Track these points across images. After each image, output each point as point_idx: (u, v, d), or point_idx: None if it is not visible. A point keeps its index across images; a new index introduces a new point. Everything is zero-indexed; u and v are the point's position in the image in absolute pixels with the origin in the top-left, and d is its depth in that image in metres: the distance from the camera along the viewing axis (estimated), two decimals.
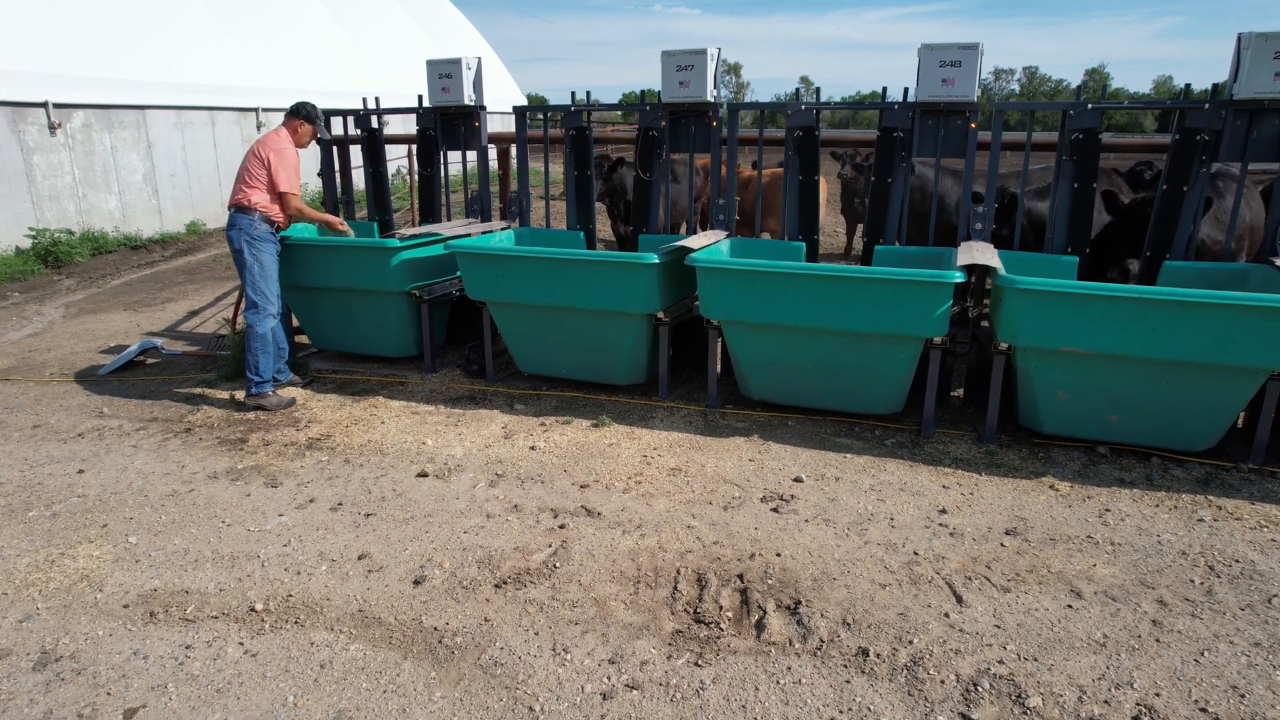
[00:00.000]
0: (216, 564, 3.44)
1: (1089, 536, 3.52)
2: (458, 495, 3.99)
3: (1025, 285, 3.96)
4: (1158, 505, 3.79)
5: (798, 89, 5.03)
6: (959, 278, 4.09)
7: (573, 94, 5.56)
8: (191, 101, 12.18)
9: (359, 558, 3.46)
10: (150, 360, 6.35)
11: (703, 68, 5.06)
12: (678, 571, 3.30)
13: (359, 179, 6.64)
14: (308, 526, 3.73)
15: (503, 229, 5.82)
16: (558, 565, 3.35)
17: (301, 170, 5.22)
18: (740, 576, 3.25)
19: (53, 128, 10.16)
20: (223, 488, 4.15)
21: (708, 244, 4.83)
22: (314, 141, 5.30)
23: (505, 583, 3.25)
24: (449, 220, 6.17)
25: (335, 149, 6.45)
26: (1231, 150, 4.40)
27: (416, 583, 3.27)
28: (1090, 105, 4.56)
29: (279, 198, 5.04)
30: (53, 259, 9.81)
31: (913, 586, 3.18)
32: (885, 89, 4.96)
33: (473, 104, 5.76)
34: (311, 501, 3.97)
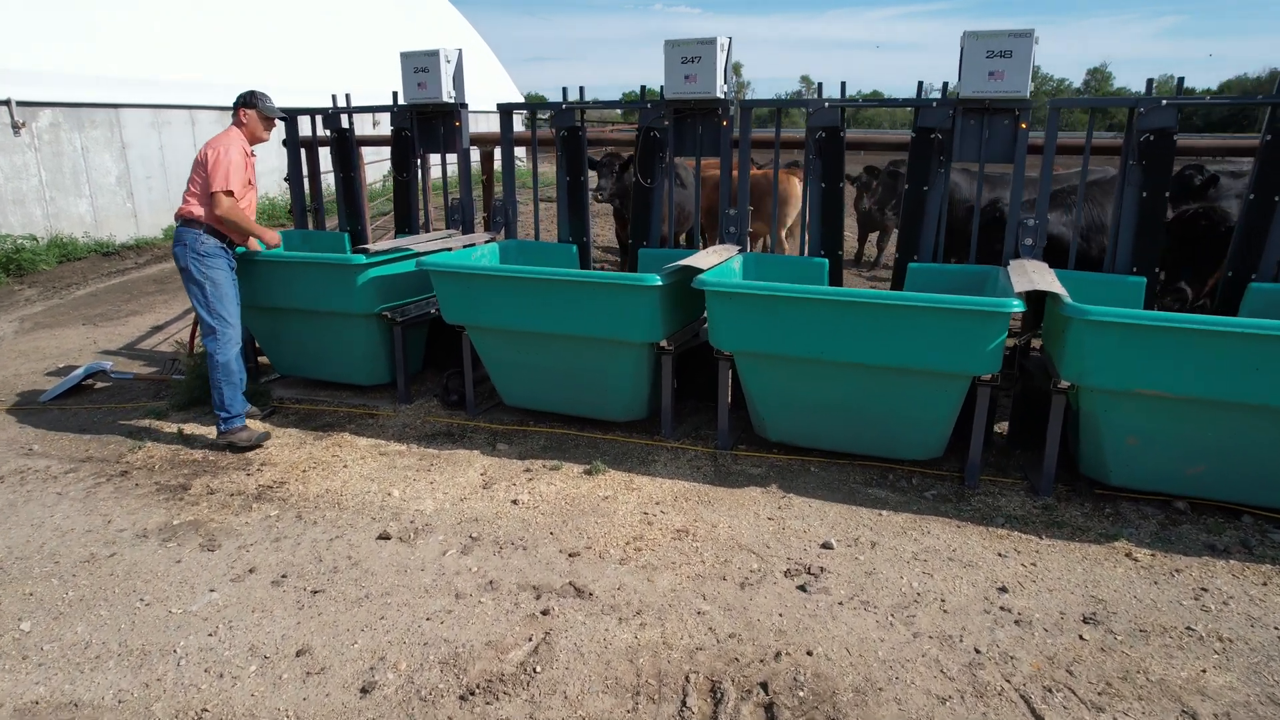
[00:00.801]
0: (122, 662, 2.81)
1: (1188, 628, 2.89)
2: (423, 566, 3.36)
3: (1099, 316, 3.32)
4: (1265, 583, 3.15)
5: (819, 85, 4.40)
6: (1018, 307, 3.45)
7: (564, 90, 4.93)
8: (169, 100, 11.54)
9: (298, 654, 2.83)
10: (99, 385, 5.73)
11: (712, 60, 4.43)
12: (687, 678, 2.67)
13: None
14: (242, 607, 3.11)
15: (486, 242, 5.19)
16: (539, 669, 2.72)
17: (269, 176, 4.59)
18: (764, 686, 2.62)
19: (16, 127, 9.53)
20: (150, 551, 3.52)
21: (717, 262, 4.19)
22: (271, 130, 4.66)
23: (473, 693, 2.62)
24: (428, 231, 5.54)
25: (304, 152, 5.82)
26: None
27: (364, 691, 2.65)
28: (1165, 101, 3.92)
29: (209, 199, 4.37)
30: (14, 267, 9.19)
31: (979, 701, 2.55)
32: (921, 83, 4.33)
33: (452, 101, 5.12)
34: (251, 572, 3.34)
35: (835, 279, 4.61)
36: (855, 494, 3.90)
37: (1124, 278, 4.16)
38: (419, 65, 5.06)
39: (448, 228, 5.47)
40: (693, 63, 4.46)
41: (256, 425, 4.68)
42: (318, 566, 3.37)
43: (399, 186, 5.53)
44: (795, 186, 8.99)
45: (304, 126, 5.83)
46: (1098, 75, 68.82)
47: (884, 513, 3.73)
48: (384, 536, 3.59)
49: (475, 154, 5.89)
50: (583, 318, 4.16)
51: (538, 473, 4.16)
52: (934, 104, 4.23)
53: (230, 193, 4.35)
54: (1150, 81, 4.03)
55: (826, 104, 4.37)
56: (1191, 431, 3.47)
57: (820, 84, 4.44)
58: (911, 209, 4.41)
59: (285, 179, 5.86)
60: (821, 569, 3.29)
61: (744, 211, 4.69)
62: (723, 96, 4.52)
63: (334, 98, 5.60)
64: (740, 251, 4.62)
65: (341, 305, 4.72)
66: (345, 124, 5.60)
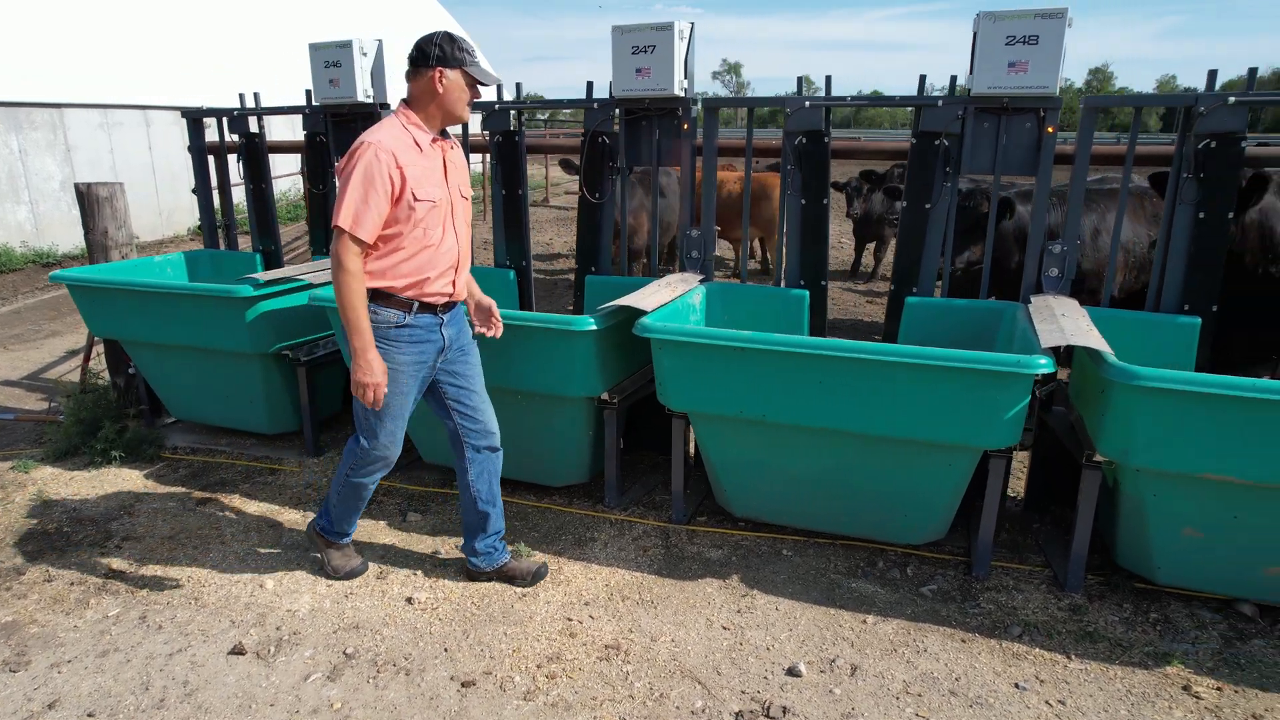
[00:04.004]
0: None
1: None
2: (275, 698, 2.61)
3: (1155, 381, 2.54)
4: None
5: (799, 80, 3.63)
6: (1046, 367, 2.67)
7: (499, 88, 4.15)
8: (120, 100, 10.82)
9: None
10: None
11: (668, 49, 3.66)
12: None
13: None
14: None
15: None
16: None
17: (177, 187, 3.79)
18: None
19: None
20: None
21: (670, 298, 3.42)
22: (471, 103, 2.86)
23: None
24: None
25: (213, 159, 5.08)
26: None
27: None
28: (1233, 99, 3.13)
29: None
30: None
31: None
32: (923, 77, 3.54)
33: (370, 100, 4.36)
34: (50, 708, 2.60)
35: (818, 313, 3.83)
36: (835, 590, 3.13)
37: (1173, 318, 3.37)
38: (330, 59, 4.31)
39: None
40: (646, 53, 3.69)
41: (353, 555, 3.28)
42: (139, 698, 2.62)
43: (314, 201, 4.78)
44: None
45: (209, 130, 5.08)
46: (1099, 75, 67.62)
47: (869, 618, 2.95)
48: (237, 651, 2.83)
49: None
50: (509, 367, 3.40)
51: (445, 556, 3.40)
52: (939, 103, 3.44)
53: (355, 237, 2.57)
54: (1213, 74, 3.24)
55: (807, 103, 3.59)
56: (1274, 524, 2.69)
57: (800, 79, 3.66)
58: (910, 230, 3.63)
59: (193, 190, 5.12)
60: (784, 710, 2.52)
61: (709, 232, 3.92)
62: (682, 94, 3.74)
63: (241, 97, 4.85)
64: (703, 281, 3.85)
65: (229, 343, 3.97)
66: (254, 128, 4.84)
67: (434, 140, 2.74)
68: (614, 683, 2.65)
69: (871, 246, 9.53)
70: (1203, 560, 2.87)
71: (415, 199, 2.65)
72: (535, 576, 3.17)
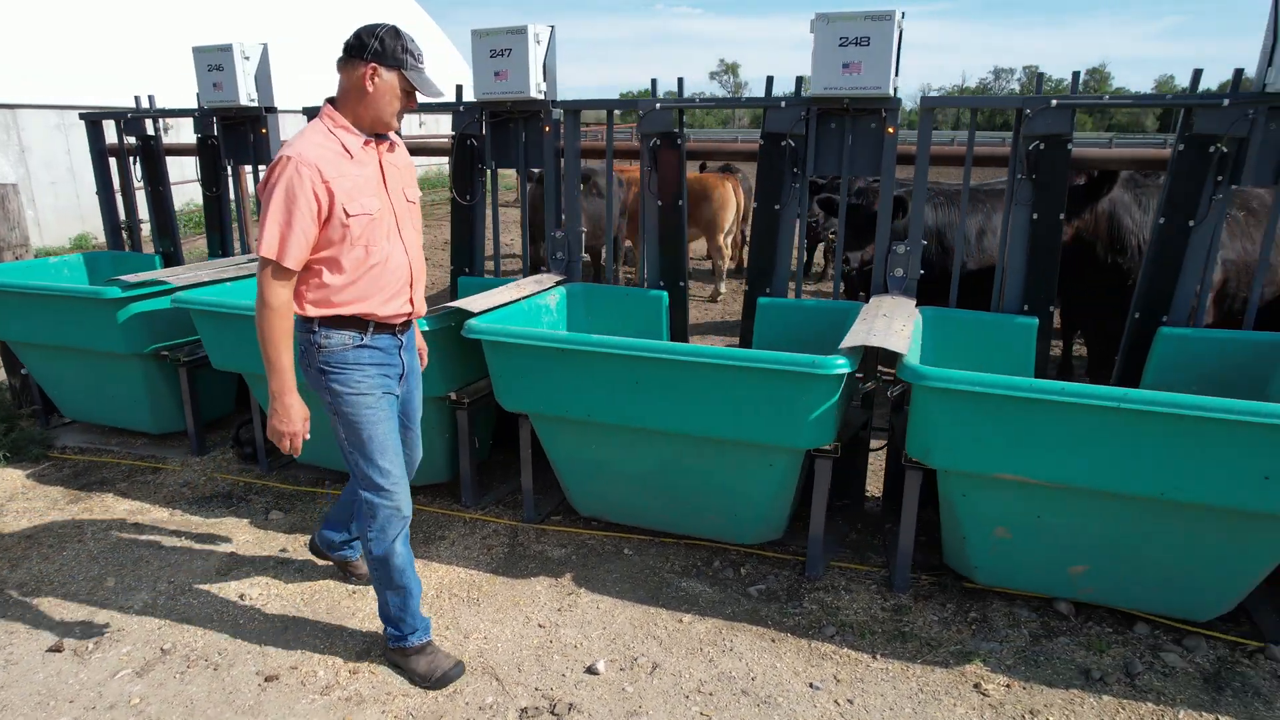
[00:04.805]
0: None
1: None
2: (76, 695, 2.64)
3: (942, 381, 2.56)
4: None
5: (653, 80, 3.65)
6: (845, 367, 2.70)
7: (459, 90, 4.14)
8: (78, 100, 10.89)
9: None
10: None
11: (523, 53, 3.69)
12: None
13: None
14: None
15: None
16: None
17: (79, 188, 3.79)
18: None
19: None
20: None
21: (514, 298, 3.45)
22: (406, 109, 2.49)
23: None
24: (244, 254, 4.82)
25: (115, 161, 5.13)
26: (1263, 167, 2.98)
27: None
28: (1056, 101, 3.14)
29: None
30: None
31: None
32: (770, 79, 3.55)
33: (254, 104, 4.41)
34: None
35: (678, 314, 3.86)
36: (663, 589, 3.16)
37: (1012, 318, 3.38)
38: (212, 63, 4.35)
39: (251, 252, 4.75)
40: (502, 56, 3.72)
41: (438, 655, 2.69)
42: None
43: (209, 203, 4.82)
44: (729, 191, 8.30)
45: (109, 132, 5.14)
46: (1096, 75, 67.26)
47: (688, 617, 2.98)
48: (55, 649, 2.87)
49: None
50: None
51: (294, 554, 3.44)
52: (783, 104, 3.46)
53: (280, 266, 2.27)
54: (1040, 77, 3.26)
55: (658, 105, 3.61)
56: (1072, 523, 2.71)
57: (654, 79, 3.69)
58: (761, 231, 3.64)
59: (96, 192, 5.17)
60: (570, 706, 2.54)
61: (575, 234, 3.95)
62: (540, 96, 3.77)
63: (136, 99, 4.90)
64: (564, 282, 3.87)
65: (103, 344, 4.02)
66: (150, 130, 4.89)
67: (366, 143, 2.38)
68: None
69: (821, 246, 9.56)
70: (1016, 560, 2.89)
71: (348, 215, 2.29)
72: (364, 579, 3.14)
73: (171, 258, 5.02)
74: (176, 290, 3.89)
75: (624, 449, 3.16)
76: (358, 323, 2.42)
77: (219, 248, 4.88)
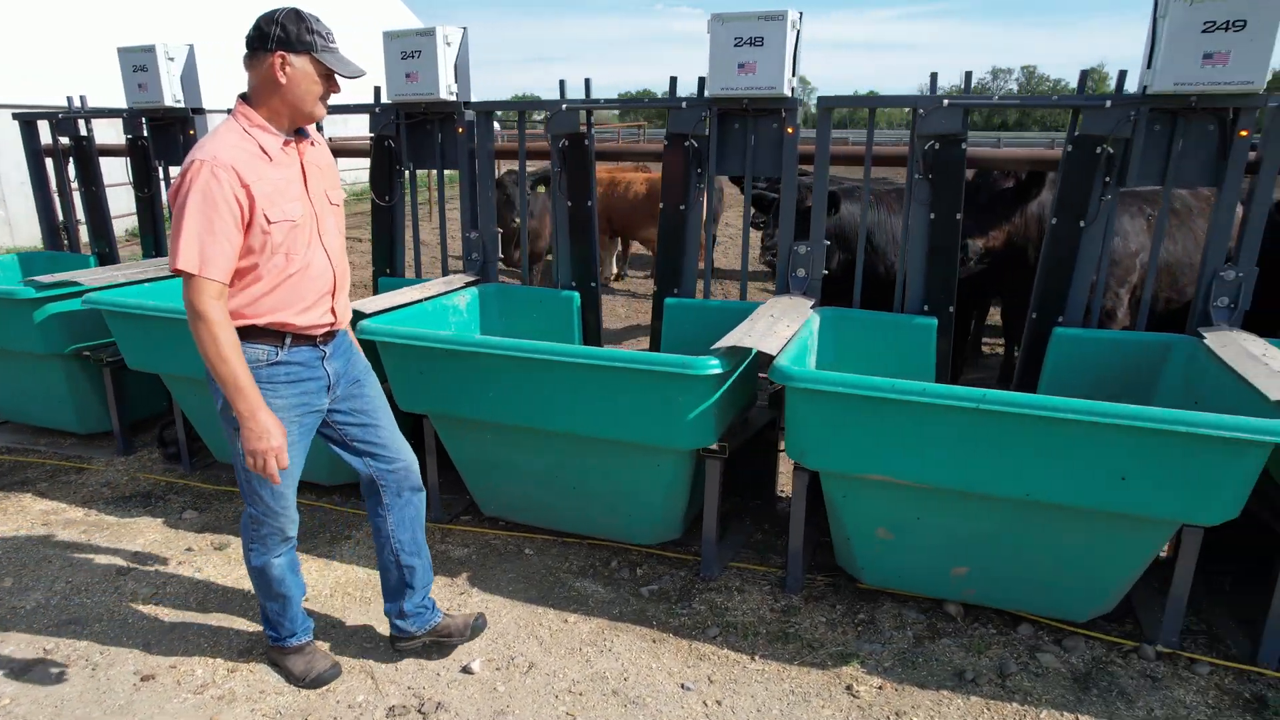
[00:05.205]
0: None
1: None
2: None
3: (807, 382, 2.57)
4: None
5: (561, 81, 3.65)
6: (716, 368, 2.70)
7: None
8: (51, 100, 10.92)
9: None
10: None
11: (432, 55, 3.70)
12: None
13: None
14: None
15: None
16: None
17: (14, 188, 3.81)
18: None
19: None
20: None
21: (417, 298, 3.47)
22: (328, 98, 2.34)
23: None
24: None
25: (51, 161, 5.15)
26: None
27: None
28: (948, 101, 3.14)
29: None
30: None
31: None
32: (674, 79, 3.56)
33: (180, 106, 4.42)
34: None
35: (590, 313, 3.86)
36: (556, 588, 3.16)
37: (911, 318, 3.39)
38: (137, 64, 4.36)
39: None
40: (413, 58, 3.73)
41: (315, 656, 2.68)
42: None
43: (141, 204, 4.84)
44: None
45: (42, 132, 5.16)
46: (1094, 76, 67.13)
47: (574, 617, 2.99)
48: None
49: None
50: None
51: (199, 553, 3.45)
52: (683, 105, 3.47)
53: (207, 279, 2.10)
54: (934, 76, 3.26)
55: (564, 106, 3.62)
56: (948, 524, 2.71)
57: (562, 81, 3.69)
58: (668, 232, 3.65)
59: (33, 193, 5.19)
60: (439, 705, 2.55)
61: (490, 234, 3.95)
62: (450, 98, 3.78)
63: (69, 99, 4.92)
64: (477, 282, 3.88)
65: (22, 344, 4.04)
66: (83, 130, 4.91)
67: (286, 144, 2.23)
68: (281, 680, 2.69)
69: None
70: (900, 561, 2.89)
71: (269, 222, 2.15)
72: (474, 630, 2.76)
73: (107, 258, 5.04)
74: (89, 291, 3.90)
75: (518, 449, 3.16)
76: (273, 334, 2.25)
77: (153, 249, 4.90)
